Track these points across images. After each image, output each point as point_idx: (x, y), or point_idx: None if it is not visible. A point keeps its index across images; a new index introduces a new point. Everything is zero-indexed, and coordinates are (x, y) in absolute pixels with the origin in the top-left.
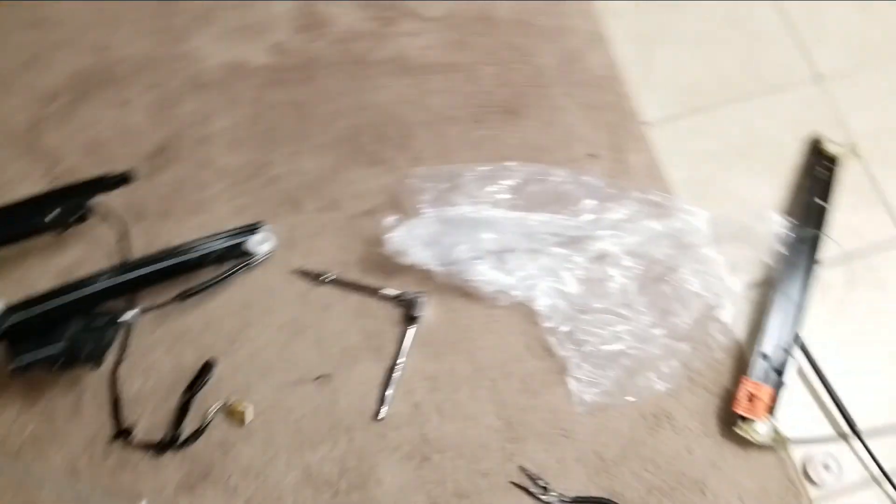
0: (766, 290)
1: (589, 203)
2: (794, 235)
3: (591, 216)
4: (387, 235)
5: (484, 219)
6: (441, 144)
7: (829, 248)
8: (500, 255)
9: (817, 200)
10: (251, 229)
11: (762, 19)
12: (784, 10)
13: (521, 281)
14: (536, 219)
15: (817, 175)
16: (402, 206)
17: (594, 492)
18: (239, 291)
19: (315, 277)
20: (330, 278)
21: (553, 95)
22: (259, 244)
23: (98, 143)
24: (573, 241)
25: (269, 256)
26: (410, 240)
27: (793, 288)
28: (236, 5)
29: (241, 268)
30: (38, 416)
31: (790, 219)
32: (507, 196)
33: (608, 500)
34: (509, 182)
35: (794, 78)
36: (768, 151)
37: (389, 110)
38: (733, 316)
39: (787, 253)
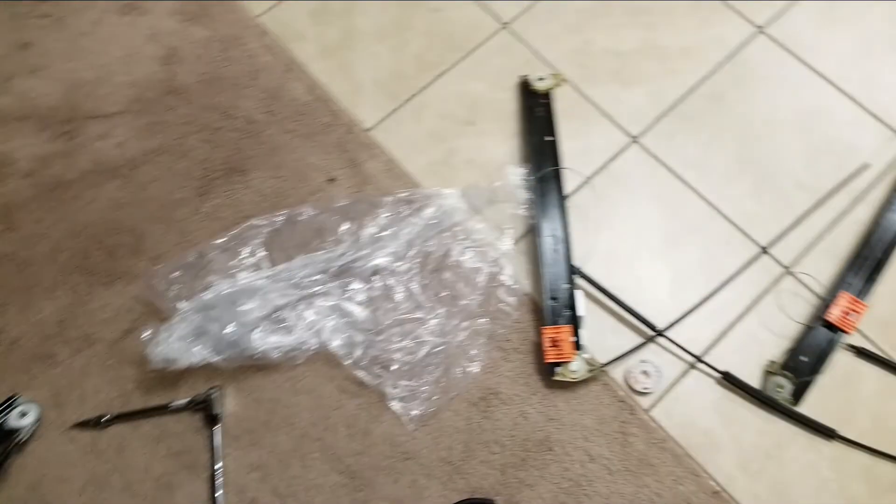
0: (533, 239)
1: (346, 227)
2: (537, 178)
3: (351, 238)
4: (149, 350)
5: (242, 289)
6: (176, 231)
7: (571, 178)
8: (273, 316)
9: (546, 138)
10: (7, 405)
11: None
12: None
13: (306, 331)
14: (298, 265)
15: (537, 114)
16: (158, 311)
17: (454, 498)
18: (22, 473)
19: (96, 423)
20: (112, 417)
21: (272, 136)
22: (21, 418)
23: None
24: (343, 271)
25: (37, 425)
26: (177, 343)
27: (554, 226)
28: None
29: (11, 448)
30: None
31: (529, 165)
32: (263, 253)
33: (477, 499)
34: (257, 240)
35: (484, 34)
36: (489, 110)
37: (108, 221)
38: (514, 274)
39: (537, 197)
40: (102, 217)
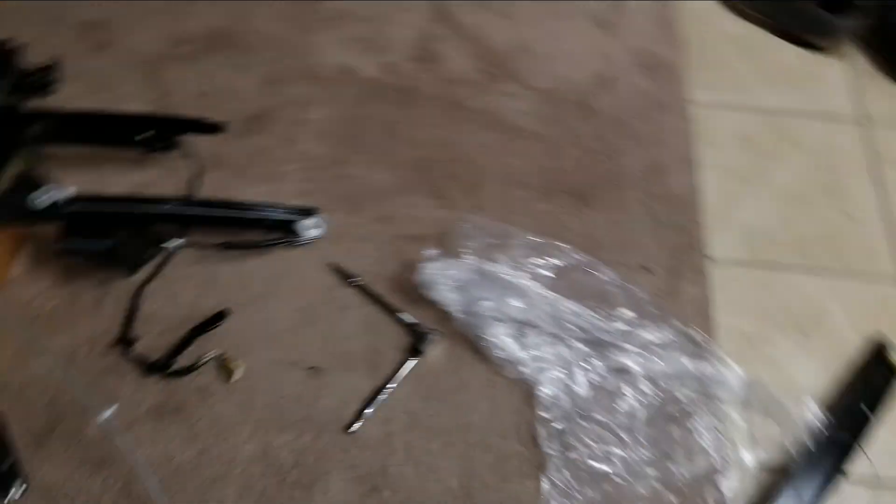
0: (779, 480)
1: (627, 313)
2: (826, 433)
3: (625, 327)
4: (422, 264)
5: (518, 285)
6: (504, 203)
7: (860, 463)
8: (521, 326)
9: (864, 407)
10: (308, 212)
11: (859, 199)
12: (887, 202)
13: (533, 360)
14: (569, 306)
15: (872, 381)
16: (447, 244)
17: None
18: (275, 262)
19: (346, 277)
20: (358, 283)
21: (626, 197)
22: (309, 228)
23: (207, 92)
24: (598, 343)
25: (312, 242)
26: (442, 278)
27: (807, 489)
28: (366, 20)
29: (285, 242)
30: (63, 298)
31: (828, 414)
32: (549, 274)
33: None
34: (555, 261)
35: (876, 271)
36: (826, 335)
37: (469, 155)
38: (734, 491)
39: (813, 449)
40: (466, 150)
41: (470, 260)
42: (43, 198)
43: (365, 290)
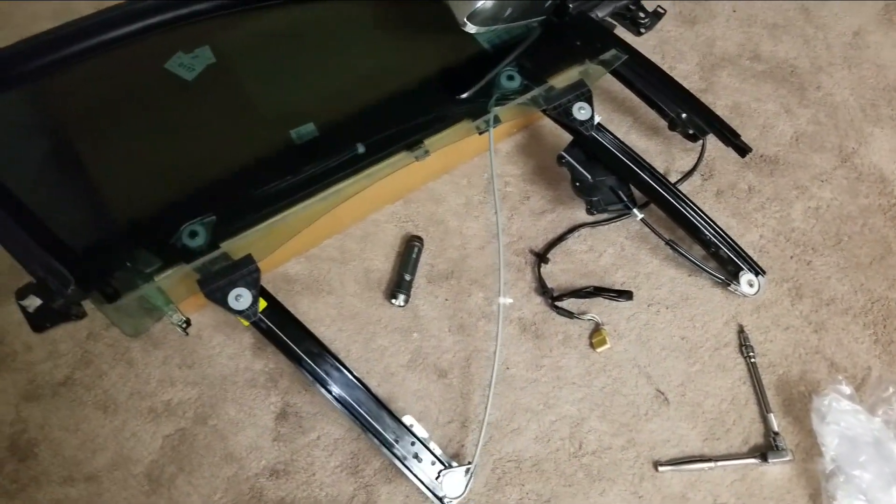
0: None
1: None
2: None
3: None
4: (826, 391)
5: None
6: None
7: None
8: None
9: None
10: (756, 269)
11: None
12: None
13: None
14: None
15: None
16: (863, 388)
17: None
18: (691, 285)
19: (743, 345)
20: (751, 358)
21: None
22: (747, 283)
23: (741, 108)
24: None
25: (739, 294)
26: (837, 416)
27: None
28: None
29: (719, 278)
30: (537, 190)
31: None
32: None
33: None
34: None
35: None
36: None
37: None
38: None
39: None
40: None
41: (877, 422)
42: (583, 111)
43: (751, 369)
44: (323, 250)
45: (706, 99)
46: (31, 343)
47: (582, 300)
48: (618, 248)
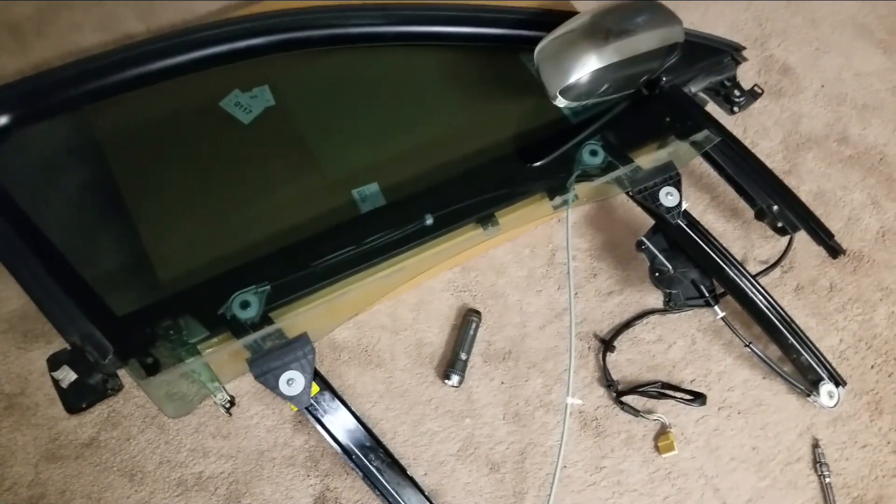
0: None
1: None
2: None
3: None
4: None
5: None
6: None
7: None
8: None
9: None
10: (838, 381)
11: None
12: None
13: None
14: None
15: None
16: None
17: None
18: (766, 390)
19: (818, 462)
20: (826, 478)
21: None
22: (827, 394)
23: (826, 196)
24: None
25: (816, 405)
26: None
27: None
28: None
29: (798, 386)
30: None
31: None
32: None
33: None
34: None
35: None
36: None
37: None
38: None
39: None
40: None
41: None
42: (670, 196)
43: (825, 490)
44: (373, 316)
45: (789, 182)
46: (55, 396)
47: (643, 400)
48: (689, 340)
